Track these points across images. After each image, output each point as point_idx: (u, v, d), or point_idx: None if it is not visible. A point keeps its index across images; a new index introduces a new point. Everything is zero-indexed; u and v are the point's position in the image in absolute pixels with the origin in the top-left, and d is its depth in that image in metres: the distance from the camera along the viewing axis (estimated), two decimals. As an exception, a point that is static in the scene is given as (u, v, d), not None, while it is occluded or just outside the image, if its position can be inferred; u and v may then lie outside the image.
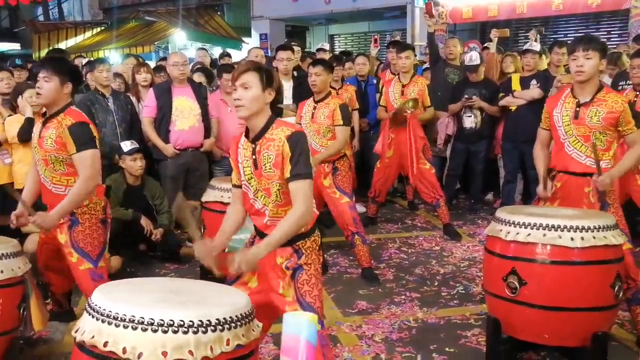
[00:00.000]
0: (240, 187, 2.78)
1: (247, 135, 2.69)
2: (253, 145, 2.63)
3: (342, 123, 4.74)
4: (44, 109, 3.57)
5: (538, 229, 3.10)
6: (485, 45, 7.68)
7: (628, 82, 5.42)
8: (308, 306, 2.59)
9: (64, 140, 3.35)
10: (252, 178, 2.65)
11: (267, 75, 2.61)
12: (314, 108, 4.83)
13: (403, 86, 5.88)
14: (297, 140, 2.57)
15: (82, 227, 3.47)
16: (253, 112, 2.59)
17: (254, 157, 2.63)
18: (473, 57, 6.53)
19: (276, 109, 2.73)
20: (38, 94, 3.44)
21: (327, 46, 9.95)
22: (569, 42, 5.76)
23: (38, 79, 3.41)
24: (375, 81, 7.20)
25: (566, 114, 3.60)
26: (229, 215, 2.85)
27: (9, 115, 5.05)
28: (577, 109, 3.55)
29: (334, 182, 4.80)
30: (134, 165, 5.12)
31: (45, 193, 3.54)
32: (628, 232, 3.51)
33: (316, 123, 4.79)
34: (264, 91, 2.59)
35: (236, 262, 2.48)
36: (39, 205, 3.93)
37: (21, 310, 3.21)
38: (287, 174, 2.56)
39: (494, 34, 7.61)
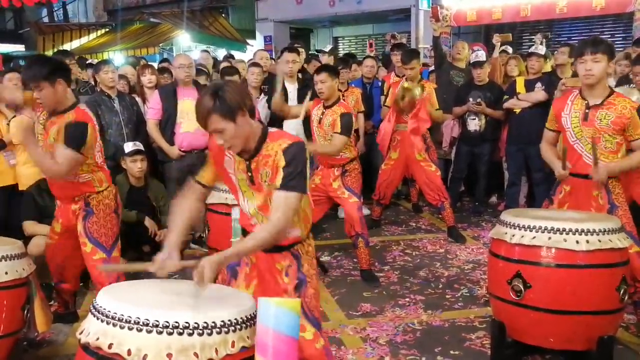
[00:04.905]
0: (208, 187, 2.61)
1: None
2: (247, 162, 2.45)
3: (339, 132, 4.58)
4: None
5: (543, 232, 3.10)
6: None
7: (631, 85, 5.41)
8: (315, 321, 2.55)
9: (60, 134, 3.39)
10: (247, 190, 2.51)
11: (227, 106, 2.27)
12: (322, 113, 4.75)
13: None
14: (294, 153, 2.36)
15: (96, 218, 3.54)
16: (243, 142, 2.38)
17: (249, 174, 2.46)
18: (479, 54, 6.58)
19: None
20: (40, 104, 3.50)
21: (327, 48, 9.93)
22: (575, 44, 5.77)
23: (32, 88, 3.45)
24: (380, 84, 7.19)
25: (575, 115, 3.58)
26: (183, 210, 2.53)
27: (14, 117, 5.03)
28: (587, 110, 3.54)
29: (343, 182, 4.78)
30: (133, 167, 5.12)
31: (51, 184, 3.63)
32: (636, 234, 3.49)
33: (322, 129, 4.72)
34: (236, 121, 2.30)
35: (200, 264, 2.17)
36: (39, 205, 3.96)
37: (25, 312, 3.21)
38: (278, 183, 2.35)
39: (497, 39, 7.64)
